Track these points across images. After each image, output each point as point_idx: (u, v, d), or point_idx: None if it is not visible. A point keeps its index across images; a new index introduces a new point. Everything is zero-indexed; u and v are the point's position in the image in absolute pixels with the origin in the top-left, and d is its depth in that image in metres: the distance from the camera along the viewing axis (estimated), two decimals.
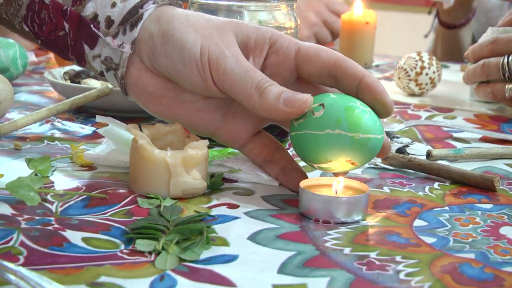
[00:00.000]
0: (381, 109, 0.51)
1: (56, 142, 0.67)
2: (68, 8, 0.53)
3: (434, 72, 0.94)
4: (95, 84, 0.79)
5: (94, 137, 0.69)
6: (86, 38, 0.54)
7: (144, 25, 0.53)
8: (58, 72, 0.85)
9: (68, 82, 0.81)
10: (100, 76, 0.56)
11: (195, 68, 0.51)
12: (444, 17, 1.39)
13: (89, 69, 0.57)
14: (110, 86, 0.75)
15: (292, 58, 0.52)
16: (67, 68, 0.86)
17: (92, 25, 0.53)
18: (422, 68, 0.94)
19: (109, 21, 0.53)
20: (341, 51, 1.21)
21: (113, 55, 0.54)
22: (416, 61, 0.94)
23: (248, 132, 0.55)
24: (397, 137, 0.70)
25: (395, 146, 0.67)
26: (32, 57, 1.14)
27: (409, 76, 0.94)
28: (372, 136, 0.48)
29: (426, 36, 1.46)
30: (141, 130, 0.55)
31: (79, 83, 0.80)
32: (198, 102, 0.54)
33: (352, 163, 0.49)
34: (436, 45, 1.46)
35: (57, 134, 0.70)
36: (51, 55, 1.20)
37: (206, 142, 0.54)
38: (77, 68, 0.85)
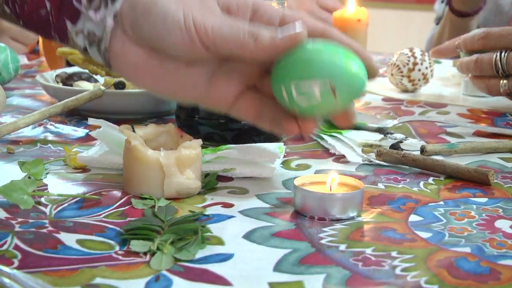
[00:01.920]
0: (367, 72, 0.51)
1: (49, 145, 0.67)
2: None
3: (426, 68, 0.94)
4: (87, 86, 0.79)
5: (87, 140, 0.69)
6: (68, 14, 0.53)
7: None
8: (50, 75, 0.85)
9: (60, 85, 0.81)
10: (84, 52, 0.56)
11: (179, 34, 0.50)
12: (457, 5, 1.38)
13: (72, 46, 0.56)
14: (102, 88, 0.74)
15: (277, 24, 0.52)
16: (59, 71, 0.86)
17: (73, 0, 0.53)
18: (415, 64, 0.94)
19: None
20: None
21: (96, 29, 0.53)
22: (409, 57, 0.94)
23: (233, 92, 0.54)
24: (391, 133, 0.70)
25: (389, 142, 0.67)
26: (23, 60, 1.13)
27: (401, 72, 0.94)
28: (361, 75, 0.48)
29: (437, 23, 1.44)
30: (134, 131, 0.55)
31: (71, 85, 0.80)
32: (182, 69, 0.54)
33: (334, 94, 0.47)
34: (442, 33, 1.45)
35: (50, 137, 0.70)
36: (42, 58, 1.20)
37: (200, 141, 0.54)
38: (69, 70, 0.84)
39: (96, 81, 0.83)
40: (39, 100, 0.87)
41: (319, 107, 0.48)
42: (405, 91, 0.96)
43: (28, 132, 0.71)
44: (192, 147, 0.53)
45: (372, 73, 0.50)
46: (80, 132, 0.72)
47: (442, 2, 1.44)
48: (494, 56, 0.80)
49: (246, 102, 0.55)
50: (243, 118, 0.56)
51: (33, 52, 1.27)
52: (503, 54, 0.80)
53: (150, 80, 0.54)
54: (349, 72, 0.48)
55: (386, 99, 0.91)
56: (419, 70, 0.94)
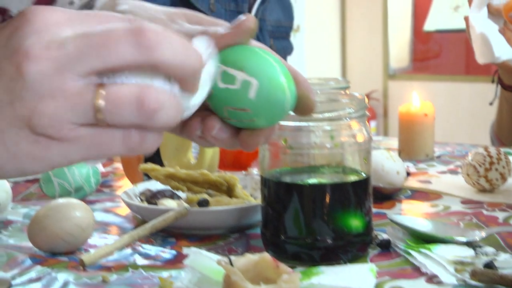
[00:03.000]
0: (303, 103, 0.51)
1: (140, 269, 0.68)
2: None
3: (504, 167, 0.93)
4: (171, 204, 0.80)
5: (176, 261, 0.70)
6: None
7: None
8: (133, 191, 0.87)
9: (145, 203, 0.83)
10: None
11: None
12: (507, 80, 1.37)
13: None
14: (187, 207, 0.76)
15: None
16: (141, 187, 0.88)
17: None
18: (491, 163, 0.93)
19: None
20: (402, 144, 1.22)
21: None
22: (484, 156, 0.94)
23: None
24: (480, 247, 0.69)
25: (481, 258, 0.66)
26: (100, 167, 1.16)
27: (478, 172, 0.94)
28: (285, 90, 0.47)
29: (491, 103, 1.44)
30: (231, 262, 0.55)
31: (155, 204, 0.82)
32: None
33: (252, 92, 0.47)
34: (501, 114, 1.44)
35: (139, 259, 0.71)
36: (116, 164, 1.23)
37: (298, 275, 0.54)
38: (152, 188, 0.86)
39: (179, 197, 0.84)
40: (121, 216, 0.88)
41: (235, 102, 0.48)
42: (483, 191, 0.95)
43: (117, 254, 0.72)
44: (291, 281, 0.53)
45: (307, 105, 0.50)
46: (168, 253, 0.73)
47: (493, 82, 1.44)
48: None
49: (195, 122, 0.52)
50: (191, 139, 0.54)
51: (108, 159, 1.30)
52: None
53: None
54: (275, 80, 0.47)
55: (465, 202, 0.91)
56: (496, 169, 0.93)
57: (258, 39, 1.70)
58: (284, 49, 1.79)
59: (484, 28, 1.13)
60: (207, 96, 0.47)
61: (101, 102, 0.39)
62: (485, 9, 1.16)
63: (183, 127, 0.52)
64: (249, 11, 1.70)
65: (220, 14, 1.62)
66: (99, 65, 0.39)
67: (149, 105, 0.40)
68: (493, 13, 1.14)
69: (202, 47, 0.45)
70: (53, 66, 0.38)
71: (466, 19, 1.19)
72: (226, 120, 0.50)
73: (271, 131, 0.51)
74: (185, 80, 0.42)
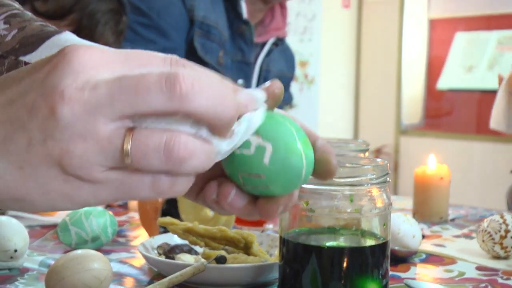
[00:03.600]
0: (325, 168, 0.50)
1: None
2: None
3: None
4: (189, 259, 0.81)
5: None
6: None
7: None
8: (149, 243, 0.88)
9: (163, 257, 0.83)
10: None
11: None
12: None
13: None
14: (204, 263, 0.76)
15: None
16: (159, 240, 0.88)
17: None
18: (507, 231, 0.93)
19: None
20: (416, 205, 1.22)
21: None
22: (500, 224, 0.94)
23: (204, 176, 0.51)
24: None
25: None
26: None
27: (493, 239, 0.94)
28: (300, 153, 0.46)
29: None
30: None
31: (173, 258, 0.82)
32: None
33: (266, 158, 0.46)
34: None
35: None
36: (132, 214, 1.24)
37: None
38: (170, 241, 0.87)
39: (196, 253, 0.85)
40: (137, 268, 0.89)
41: (250, 167, 0.46)
42: (497, 257, 0.95)
43: None
44: None
45: (328, 169, 0.50)
46: None
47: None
48: None
49: (209, 190, 0.51)
50: (205, 205, 0.53)
51: (122, 206, 1.31)
52: None
53: None
54: (291, 146, 0.46)
55: (479, 268, 0.91)
56: None
57: None
58: (285, 100, 1.81)
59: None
60: (233, 149, 0.45)
61: (129, 148, 0.40)
62: None
63: (198, 193, 0.52)
64: (255, 61, 1.72)
65: (227, 66, 1.64)
66: (129, 110, 0.39)
67: (178, 154, 0.40)
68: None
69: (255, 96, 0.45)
70: (85, 109, 0.39)
71: (500, 77, 1.21)
72: (242, 187, 0.49)
73: (290, 199, 0.50)
74: (217, 128, 0.42)
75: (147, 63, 0.41)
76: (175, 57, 0.42)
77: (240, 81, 1.68)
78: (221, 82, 0.42)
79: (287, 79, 1.85)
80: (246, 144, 0.46)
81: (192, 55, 1.58)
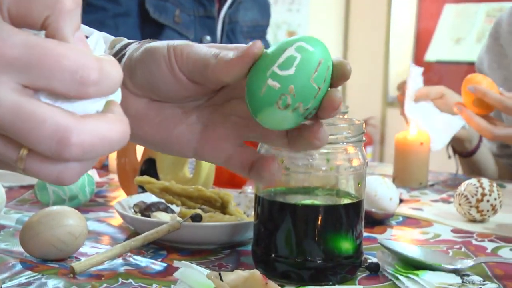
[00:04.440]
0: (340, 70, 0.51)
1: (130, 280, 0.68)
2: None
3: (495, 199, 0.94)
4: (164, 217, 0.81)
5: (166, 274, 0.70)
6: None
7: (126, 57, 0.57)
8: (127, 202, 0.88)
9: (139, 215, 0.83)
10: None
11: (164, 64, 0.53)
12: (457, 147, 1.39)
13: None
14: (180, 221, 0.77)
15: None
16: (136, 199, 0.88)
17: None
18: (483, 195, 0.94)
19: None
20: (396, 170, 1.22)
21: None
22: (477, 187, 0.95)
23: (230, 143, 0.56)
24: (467, 275, 0.70)
25: (467, 286, 0.67)
26: (95, 177, 1.17)
27: (470, 202, 0.94)
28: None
29: (450, 157, 1.46)
30: (221, 278, 0.56)
31: (149, 216, 0.82)
32: (179, 116, 0.56)
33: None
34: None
35: (130, 270, 0.71)
36: (112, 175, 1.24)
37: None
38: (146, 200, 0.87)
39: (172, 211, 0.85)
40: (114, 226, 0.89)
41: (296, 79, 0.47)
42: (473, 221, 0.96)
43: (108, 263, 0.72)
44: None
45: (343, 72, 0.50)
46: (159, 265, 0.73)
47: (449, 157, 1.45)
48: None
49: (241, 157, 0.55)
50: (239, 172, 0.56)
51: (103, 168, 1.31)
52: None
53: (149, 131, 0.57)
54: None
55: (455, 231, 0.91)
56: (488, 201, 0.94)
57: (231, 41, 1.71)
58: None
59: (423, 120, 1.22)
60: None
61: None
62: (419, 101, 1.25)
63: (229, 159, 0.55)
64: (218, 14, 1.70)
65: (188, 23, 1.62)
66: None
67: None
68: (420, 98, 1.22)
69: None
70: None
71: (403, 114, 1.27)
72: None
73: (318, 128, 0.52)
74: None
75: (50, 75, 0.36)
76: (86, 76, 0.36)
77: (208, 37, 1.65)
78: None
79: (262, 28, 1.82)
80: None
81: (146, 18, 1.56)
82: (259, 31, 1.79)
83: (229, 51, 0.51)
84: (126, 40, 0.60)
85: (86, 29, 0.59)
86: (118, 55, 0.58)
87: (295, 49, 0.48)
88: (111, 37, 0.61)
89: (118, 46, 0.59)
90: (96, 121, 0.37)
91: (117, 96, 0.40)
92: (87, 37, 0.39)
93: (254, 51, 0.49)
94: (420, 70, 1.32)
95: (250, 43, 0.50)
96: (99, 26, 1.51)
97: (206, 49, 0.53)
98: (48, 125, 0.35)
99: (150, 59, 0.54)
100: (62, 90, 0.36)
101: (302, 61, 0.48)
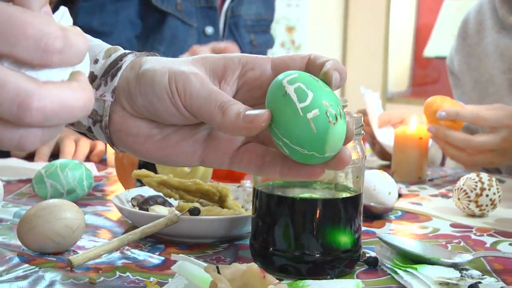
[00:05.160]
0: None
1: (128, 273, 0.68)
2: None
3: (494, 194, 0.94)
4: (162, 211, 0.81)
5: (163, 267, 0.70)
6: None
7: (122, 74, 0.56)
8: (125, 195, 0.87)
9: (136, 209, 0.83)
10: (89, 132, 0.59)
11: (167, 98, 0.53)
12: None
13: (78, 128, 0.59)
14: (177, 214, 0.76)
15: (269, 69, 0.55)
16: (134, 192, 0.88)
17: None
18: (482, 189, 0.94)
19: (92, 76, 0.57)
20: (395, 165, 1.22)
21: (97, 107, 0.57)
22: (476, 182, 0.94)
23: (234, 144, 0.56)
24: (466, 269, 0.70)
25: (466, 280, 0.66)
26: (93, 171, 1.17)
27: (469, 197, 0.94)
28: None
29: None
30: (218, 271, 0.56)
31: (147, 210, 0.82)
32: (181, 130, 0.56)
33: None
34: None
35: (127, 264, 0.71)
36: (110, 169, 1.23)
37: (285, 286, 0.54)
38: (144, 193, 0.87)
39: (170, 205, 0.85)
40: (112, 220, 0.89)
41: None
42: (472, 216, 0.96)
43: (106, 257, 0.72)
44: None
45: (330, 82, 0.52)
46: (156, 258, 0.73)
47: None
48: None
49: (246, 155, 0.56)
50: (245, 171, 0.57)
51: (101, 162, 1.31)
52: None
53: (153, 149, 0.57)
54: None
55: (454, 225, 0.91)
56: (487, 195, 0.94)
57: (234, 35, 1.69)
58: (266, 43, 1.78)
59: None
60: None
61: None
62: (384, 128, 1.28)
63: (233, 157, 0.56)
64: (221, 6, 1.68)
65: (190, 12, 1.61)
66: None
67: None
68: (383, 125, 1.33)
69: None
70: None
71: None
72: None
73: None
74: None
75: (14, 42, 0.35)
76: (50, 43, 0.36)
77: (210, 29, 1.64)
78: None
79: (266, 22, 1.81)
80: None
81: (147, 5, 1.55)
82: (263, 25, 1.77)
83: (235, 105, 0.51)
84: (122, 50, 0.60)
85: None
86: (114, 67, 0.57)
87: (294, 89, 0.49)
88: (107, 45, 0.60)
89: (114, 56, 0.58)
90: (59, 88, 0.37)
91: (84, 68, 0.40)
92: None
93: (262, 125, 0.50)
94: (375, 94, 1.35)
95: (258, 114, 0.50)
96: (100, 10, 1.50)
97: (210, 93, 0.52)
98: (9, 89, 0.35)
99: (151, 92, 0.54)
100: (26, 57, 0.36)
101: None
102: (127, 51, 0.60)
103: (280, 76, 0.51)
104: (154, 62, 0.56)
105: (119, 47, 0.61)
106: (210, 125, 0.53)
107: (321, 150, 0.49)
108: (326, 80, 0.52)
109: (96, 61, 0.58)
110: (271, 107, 0.50)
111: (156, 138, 0.56)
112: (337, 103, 0.50)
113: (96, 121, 0.57)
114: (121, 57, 0.58)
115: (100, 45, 0.60)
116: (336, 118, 0.49)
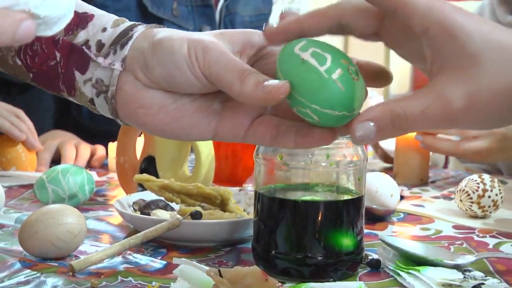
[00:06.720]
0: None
1: (130, 278, 0.68)
2: (61, 38, 0.56)
3: (496, 195, 0.94)
4: (164, 215, 0.81)
5: (165, 272, 0.70)
6: (77, 63, 0.55)
7: (134, 44, 0.55)
8: (126, 200, 0.87)
9: (138, 213, 0.83)
10: (90, 105, 0.57)
11: (187, 68, 0.52)
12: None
13: (78, 100, 0.57)
14: (179, 218, 0.76)
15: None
16: (135, 197, 0.88)
17: (83, 47, 0.55)
18: (485, 190, 0.93)
19: (100, 45, 0.56)
20: (397, 167, 1.22)
21: (104, 76, 0.55)
22: (478, 183, 0.94)
23: (249, 114, 0.54)
24: (469, 271, 0.69)
25: (468, 282, 0.66)
26: (95, 176, 1.17)
27: (471, 198, 0.94)
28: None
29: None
30: (220, 274, 0.56)
31: (148, 214, 0.82)
32: (196, 99, 0.55)
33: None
34: None
35: (129, 268, 0.71)
36: (111, 174, 1.23)
37: None
38: (146, 198, 0.87)
39: (172, 209, 0.84)
40: (113, 225, 0.88)
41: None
42: (475, 217, 0.95)
43: (108, 261, 0.72)
44: None
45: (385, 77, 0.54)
46: (158, 263, 0.73)
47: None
48: None
49: (261, 126, 0.54)
50: (259, 143, 0.56)
51: (103, 167, 1.31)
52: None
53: (166, 121, 0.54)
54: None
55: (456, 227, 0.91)
56: (489, 197, 0.93)
57: None
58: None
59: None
60: None
61: None
62: None
63: (247, 131, 0.54)
64: (215, 5, 1.68)
65: (186, 14, 1.61)
66: None
67: None
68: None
69: None
70: None
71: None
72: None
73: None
74: None
75: None
76: None
77: (207, 28, 1.63)
78: None
79: (265, 16, 1.80)
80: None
81: (145, 13, 1.55)
82: (262, 19, 1.76)
83: (252, 74, 0.50)
84: (129, 21, 0.58)
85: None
86: (125, 36, 0.55)
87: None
88: (114, 16, 0.58)
89: (123, 26, 0.57)
90: None
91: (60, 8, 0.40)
92: None
93: (280, 96, 0.49)
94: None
95: (277, 84, 0.49)
96: None
97: (229, 61, 0.51)
98: None
99: (170, 62, 0.53)
100: None
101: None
102: (137, 22, 0.58)
103: (289, 46, 0.50)
104: (170, 32, 0.55)
105: (126, 19, 0.59)
106: (228, 94, 0.51)
107: (350, 108, 0.49)
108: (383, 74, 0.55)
109: (104, 29, 0.56)
110: (289, 78, 0.49)
111: (170, 108, 0.54)
112: (350, 61, 0.50)
113: (101, 91, 0.55)
114: (131, 27, 0.56)
115: (108, 15, 0.59)
116: (357, 74, 0.50)
